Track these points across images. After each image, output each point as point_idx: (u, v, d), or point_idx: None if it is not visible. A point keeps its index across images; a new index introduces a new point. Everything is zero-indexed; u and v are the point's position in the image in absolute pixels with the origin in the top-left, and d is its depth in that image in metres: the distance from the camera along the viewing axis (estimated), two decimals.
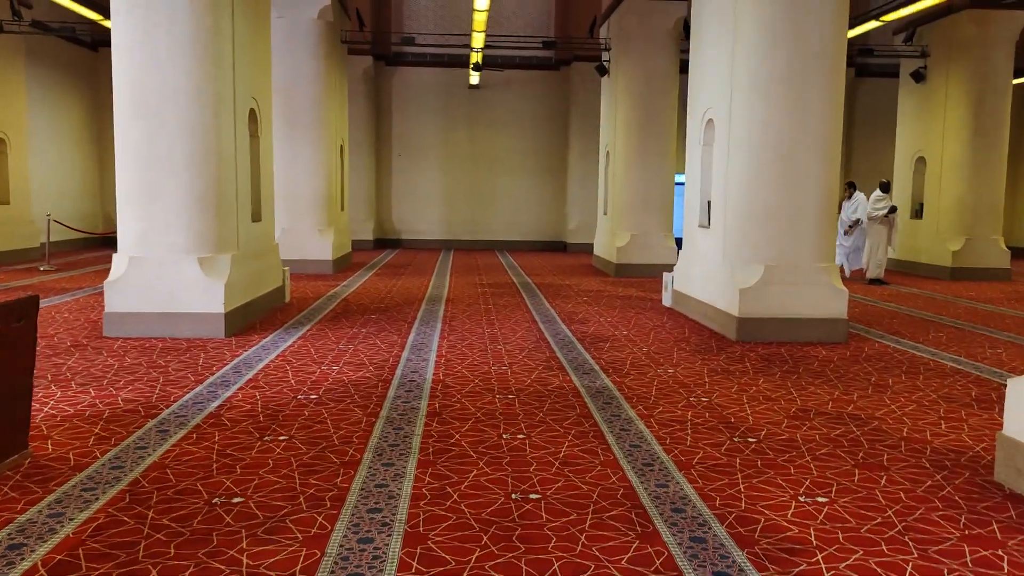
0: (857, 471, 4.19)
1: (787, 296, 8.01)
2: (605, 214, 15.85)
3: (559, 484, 3.92)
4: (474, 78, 19.88)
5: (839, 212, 13.49)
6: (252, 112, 9.01)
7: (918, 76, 15.46)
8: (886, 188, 13.81)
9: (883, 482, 4.03)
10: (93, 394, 5.50)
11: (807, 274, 8.04)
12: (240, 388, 5.76)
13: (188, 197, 7.77)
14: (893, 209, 13.59)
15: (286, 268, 10.44)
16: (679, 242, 15.66)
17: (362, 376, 6.21)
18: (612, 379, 6.27)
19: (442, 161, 21.50)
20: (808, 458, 4.39)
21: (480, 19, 15.48)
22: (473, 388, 5.89)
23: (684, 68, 15.18)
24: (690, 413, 5.31)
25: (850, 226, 13.96)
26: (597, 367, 6.71)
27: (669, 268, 14.42)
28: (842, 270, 14.18)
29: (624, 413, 5.27)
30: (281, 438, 4.60)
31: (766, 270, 7.99)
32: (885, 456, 4.44)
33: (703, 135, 9.46)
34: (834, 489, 3.92)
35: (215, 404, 5.31)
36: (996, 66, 14.48)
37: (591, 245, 19.61)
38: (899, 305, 11.04)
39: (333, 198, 14.66)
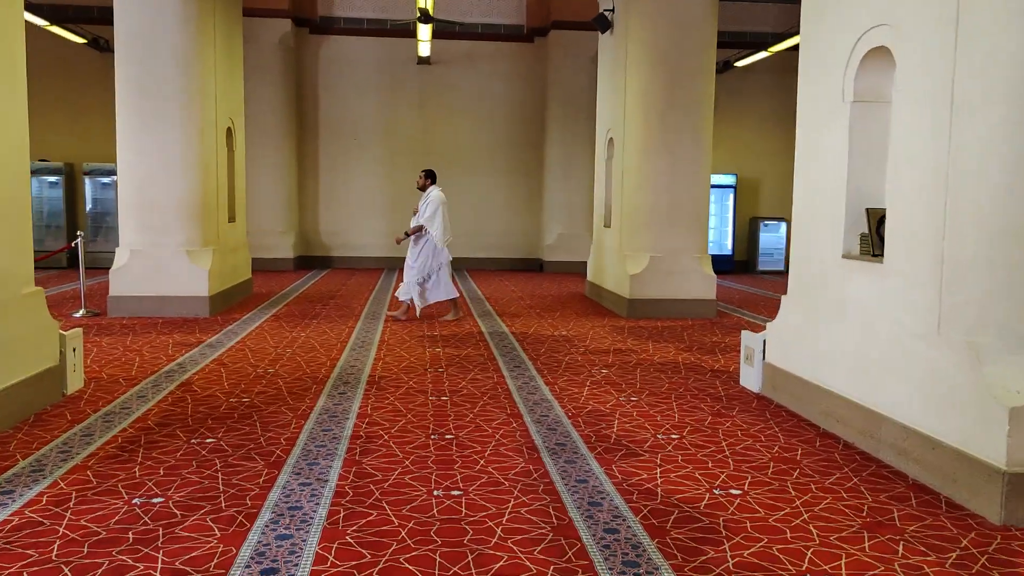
0: None
1: None
2: (607, 226, 11.32)
3: None
4: (424, 48, 15.23)
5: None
6: None
7: None
8: None
9: None
10: None
11: None
12: None
13: None
14: None
15: (70, 332, 5.72)
16: (718, 263, 11.15)
17: None
18: None
19: (385, 157, 16.76)
20: None
21: None
22: None
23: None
24: None
25: None
26: None
27: (705, 306, 10.03)
28: None
29: None
30: None
31: None
32: None
33: (854, 61, 4.96)
34: None
35: None
36: None
37: (576, 264, 15.19)
38: None
39: (212, 205, 9.88)
